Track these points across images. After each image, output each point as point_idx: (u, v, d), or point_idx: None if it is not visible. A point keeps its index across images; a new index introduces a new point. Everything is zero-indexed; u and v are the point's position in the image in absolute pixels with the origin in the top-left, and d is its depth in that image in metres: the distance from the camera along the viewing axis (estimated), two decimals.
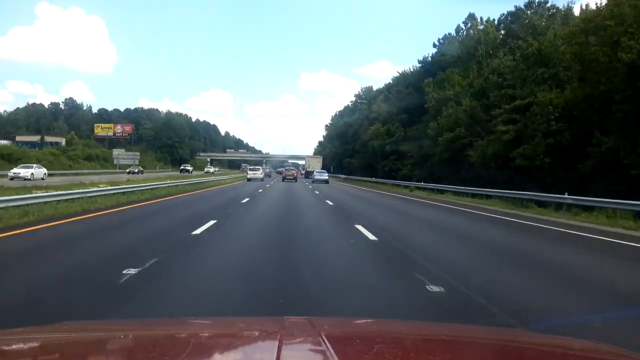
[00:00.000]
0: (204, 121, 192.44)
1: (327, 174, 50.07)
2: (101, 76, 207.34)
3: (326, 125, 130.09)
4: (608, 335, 3.78)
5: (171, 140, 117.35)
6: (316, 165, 64.11)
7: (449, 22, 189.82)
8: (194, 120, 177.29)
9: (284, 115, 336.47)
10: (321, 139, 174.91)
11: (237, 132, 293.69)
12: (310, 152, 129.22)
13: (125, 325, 2.25)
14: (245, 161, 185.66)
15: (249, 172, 50.38)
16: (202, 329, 2.05)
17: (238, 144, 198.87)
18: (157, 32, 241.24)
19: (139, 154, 79.06)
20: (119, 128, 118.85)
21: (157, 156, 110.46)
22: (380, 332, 2.04)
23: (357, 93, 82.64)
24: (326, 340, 1.49)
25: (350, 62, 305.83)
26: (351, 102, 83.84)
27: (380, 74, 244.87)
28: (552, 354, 1.71)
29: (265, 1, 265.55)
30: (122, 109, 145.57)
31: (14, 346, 1.57)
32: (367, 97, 77.53)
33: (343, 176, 67.27)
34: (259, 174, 48.47)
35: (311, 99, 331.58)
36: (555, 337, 2.31)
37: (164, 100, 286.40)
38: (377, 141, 46.85)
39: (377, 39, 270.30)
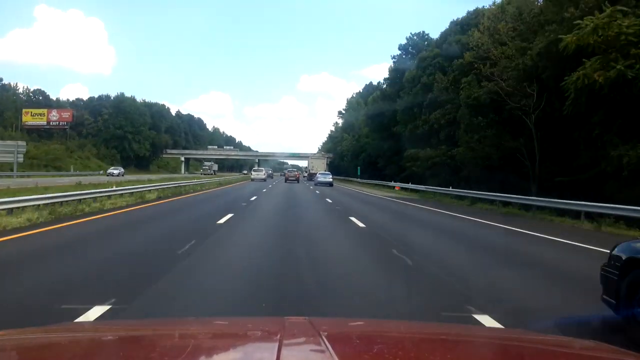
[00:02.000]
0: (188, 114, 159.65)
1: (330, 176, 46.24)
2: (100, 78, 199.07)
3: (340, 112, 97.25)
4: (608, 335, 3.67)
5: (121, 131, 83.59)
6: (320, 167, 59.99)
7: (448, 24, 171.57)
8: (174, 113, 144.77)
9: (283, 118, 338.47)
10: (321, 140, 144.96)
11: (237, 135, 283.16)
12: (312, 152, 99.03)
13: (125, 326, 2.25)
14: (236, 161, 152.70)
15: (252, 173, 54.03)
16: (202, 329, 2.01)
17: (229, 142, 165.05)
18: (157, 34, 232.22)
19: (24, 144, 45.76)
20: (54, 114, 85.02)
21: (101, 152, 77.42)
22: (380, 332, 2.01)
23: (401, 44, 49.38)
24: (326, 341, 1.49)
25: (350, 64, 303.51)
26: (394, 59, 50.23)
27: (380, 75, 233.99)
28: (552, 354, 1.69)
29: (265, 3, 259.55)
30: (85, 98, 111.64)
31: (14, 346, 1.54)
32: (422, 45, 44.20)
33: (399, 185, 34.46)
34: (262, 174, 51.61)
35: (311, 101, 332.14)
36: (555, 337, 2.27)
37: (163, 102, 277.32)
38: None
39: (377, 41, 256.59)
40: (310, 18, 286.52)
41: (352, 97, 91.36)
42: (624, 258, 4.00)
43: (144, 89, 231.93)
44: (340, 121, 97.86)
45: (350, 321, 2.63)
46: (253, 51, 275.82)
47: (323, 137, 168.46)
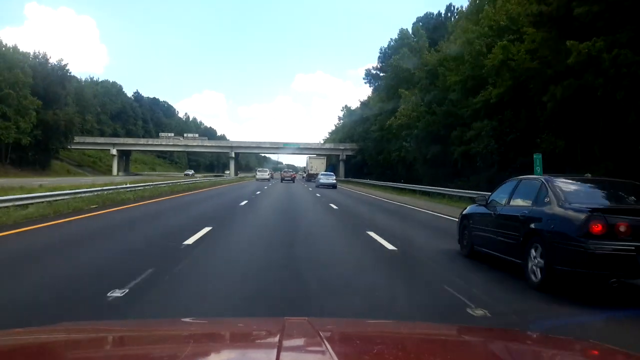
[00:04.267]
0: (154, 98, 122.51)
1: (334, 177, 42.12)
2: (92, 77, 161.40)
3: (368, 73, 60.86)
4: (608, 335, 3.74)
5: None
6: (320, 167, 59.16)
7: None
8: (130, 95, 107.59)
9: (278, 117, 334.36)
10: (320, 137, 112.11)
11: (232, 135, 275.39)
12: (307, 142, 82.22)
13: (125, 326, 2.21)
14: (217, 158, 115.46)
15: (257, 172, 59.13)
16: (202, 329, 2.00)
17: (208, 134, 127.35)
18: (149, 33, 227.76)
19: None
20: None
21: None
22: (380, 332, 1.99)
23: None
24: (326, 341, 1.47)
25: (345, 64, 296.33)
26: None
27: None
28: (552, 354, 1.67)
29: (260, 2, 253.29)
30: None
31: (14, 346, 1.51)
32: None
33: None
34: (266, 174, 56.97)
35: (306, 101, 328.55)
36: (555, 337, 2.26)
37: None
38: None
39: (372, 41, 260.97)
40: (305, 17, 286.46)
41: (393, 41, 54.57)
42: (462, 214, 7.87)
43: (137, 89, 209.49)
44: (359, 98, 62.65)
45: (350, 321, 2.69)
46: (248, 51, 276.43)
47: (320, 137, 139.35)
